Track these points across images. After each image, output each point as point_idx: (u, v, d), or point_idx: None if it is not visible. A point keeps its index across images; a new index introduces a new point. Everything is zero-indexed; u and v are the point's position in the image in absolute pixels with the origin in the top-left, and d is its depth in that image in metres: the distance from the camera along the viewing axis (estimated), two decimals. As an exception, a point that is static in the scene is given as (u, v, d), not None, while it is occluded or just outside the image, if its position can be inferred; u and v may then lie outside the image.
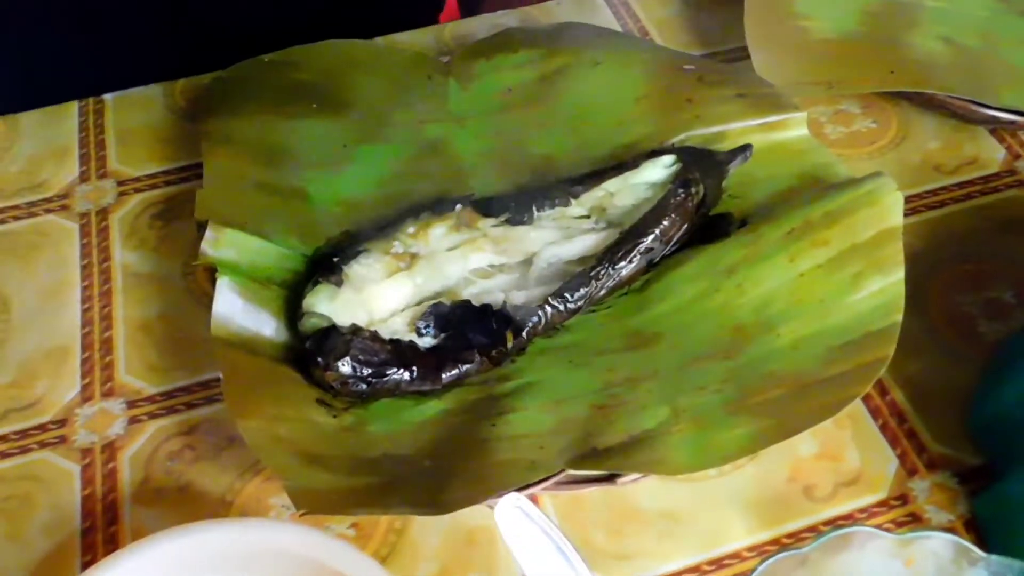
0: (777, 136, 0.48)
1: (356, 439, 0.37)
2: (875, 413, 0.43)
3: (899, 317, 0.38)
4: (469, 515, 0.38)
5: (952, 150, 0.55)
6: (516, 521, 0.29)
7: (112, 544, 0.38)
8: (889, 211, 0.41)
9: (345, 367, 0.37)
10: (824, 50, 0.53)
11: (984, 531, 0.39)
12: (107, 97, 0.56)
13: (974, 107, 0.51)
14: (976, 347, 0.45)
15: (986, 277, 0.48)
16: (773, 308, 0.41)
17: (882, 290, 0.39)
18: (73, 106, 0.56)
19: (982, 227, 0.51)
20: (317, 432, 0.37)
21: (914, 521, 0.40)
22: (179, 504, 0.40)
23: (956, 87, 0.51)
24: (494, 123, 0.51)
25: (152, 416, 0.43)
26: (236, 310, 0.39)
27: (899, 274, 0.39)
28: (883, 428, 0.43)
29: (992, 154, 0.55)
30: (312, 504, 0.33)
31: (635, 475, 0.36)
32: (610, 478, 0.36)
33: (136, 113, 0.56)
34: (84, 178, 0.53)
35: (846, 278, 0.40)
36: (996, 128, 0.55)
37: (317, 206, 0.46)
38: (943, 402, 0.43)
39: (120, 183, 0.52)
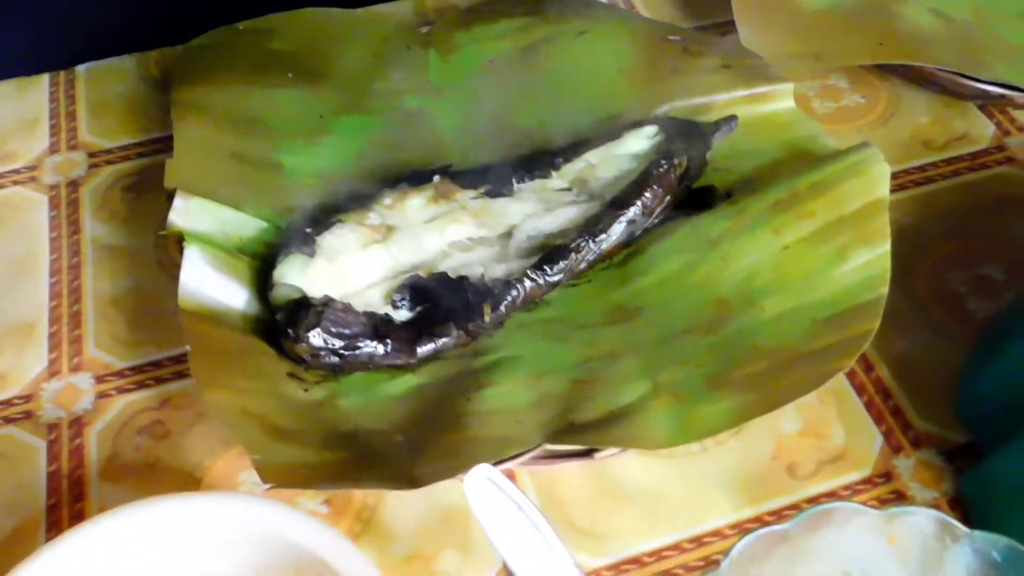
0: (763, 108, 0.47)
1: (327, 413, 0.36)
2: (860, 390, 0.42)
3: (884, 290, 0.38)
4: (444, 492, 0.37)
5: (941, 126, 0.54)
6: (487, 494, 0.28)
7: (78, 520, 0.37)
8: (876, 182, 0.40)
9: (316, 339, 0.36)
10: (812, 22, 0.52)
11: (969, 509, 0.38)
12: (79, 68, 0.55)
13: (964, 81, 0.50)
14: (964, 325, 0.44)
15: (975, 254, 0.48)
16: (757, 281, 0.40)
17: (868, 263, 0.38)
18: (44, 77, 0.55)
19: (971, 204, 0.50)
20: (287, 406, 0.36)
21: (898, 499, 0.39)
22: (147, 480, 0.39)
23: (946, 60, 0.50)
24: (474, 94, 0.50)
25: (121, 391, 0.42)
26: (205, 281, 0.38)
27: (885, 246, 0.38)
28: (868, 405, 0.42)
29: (982, 130, 0.54)
30: (280, 478, 0.32)
31: (613, 450, 0.35)
32: (587, 453, 0.35)
33: (108, 84, 0.54)
34: (54, 149, 0.51)
35: (831, 251, 0.39)
36: (986, 104, 0.55)
37: (292, 177, 0.45)
38: (930, 379, 0.43)
39: (91, 155, 0.51)
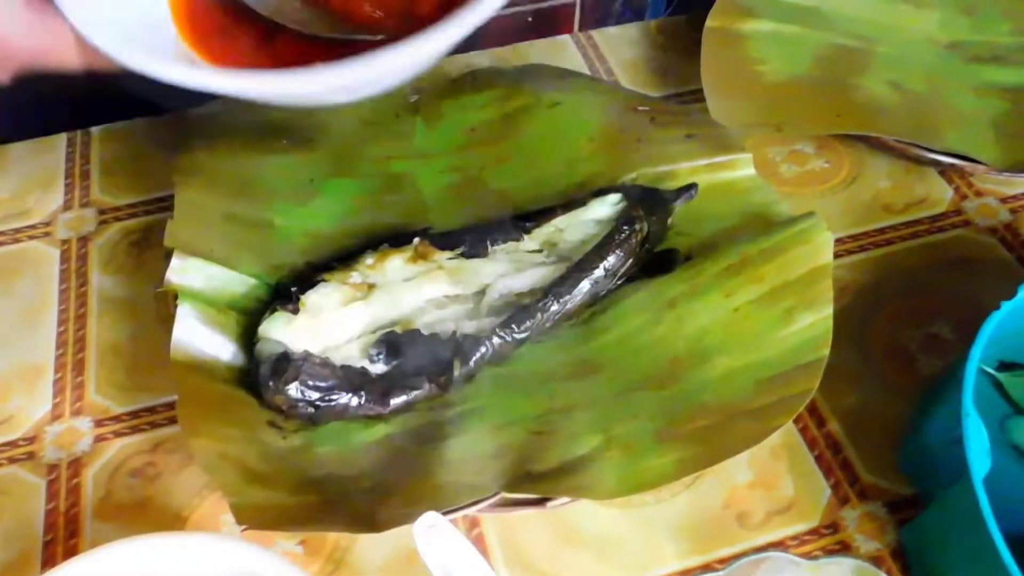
0: (724, 176, 0.50)
1: (303, 459, 0.39)
2: (812, 444, 0.45)
3: (826, 351, 0.40)
4: (411, 535, 0.40)
5: (902, 190, 0.56)
6: (434, 540, 0.31)
7: (72, 555, 0.40)
8: (819, 249, 0.43)
9: (293, 391, 0.39)
10: (775, 93, 0.56)
11: (910, 560, 0.41)
12: (93, 130, 0.59)
13: (918, 150, 0.53)
14: (913, 380, 0.47)
15: (928, 313, 0.50)
16: (708, 340, 0.43)
17: (811, 324, 0.41)
18: (62, 137, 0.59)
19: (928, 264, 0.53)
20: (265, 452, 0.39)
21: (843, 549, 0.41)
22: (137, 519, 0.42)
23: (901, 131, 0.53)
24: (456, 160, 0.54)
25: (118, 434, 0.45)
26: (196, 335, 0.41)
27: (828, 310, 0.41)
28: (818, 459, 0.44)
29: (941, 194, 0.56)
30: (253, 519, 0.35)
31: (564, 499, 0.38)
32: (541, 501, 0.38)
33: (120, 145, 0.59)
34: (68, 206, 0.55)
35: (778, 313, 0.42)
36: (945, 169, 0.57)
37: (283, 237, 0.49)
38: (878, 433, 0.45)
39: (101, 212, 0.55)
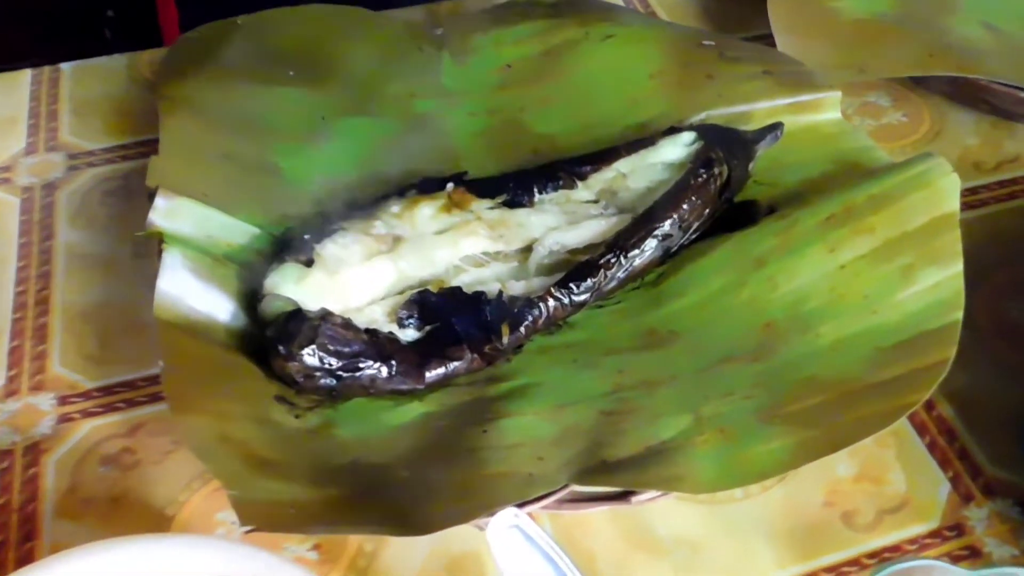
0: (808, 118, 0.43)
1: (321, 443, 0.31)
2: (921, 430, 0.38)
3: (959, 315, 0.33)
4: (454, 539, 0.33)
5: (991, 147, 0.51)
6: (514, 544, 0.23)
7: (26, 563, 0.32)
8: (944, 195, 0.36)
9: (311, 357, 0.32)
10: (855, 32, 0.49)
11: (1053, 569, 0.34)
12: (64, 66, 0.51)
13: (1021, 95, 0.46)
14: (1031, 359, 0.40)
15: (1037, 282, 0.44)
16: (810, 304, 0.35)
17: (938, 284, 0.34)
18: (25, 74, 0.51)
19: None
20: (275, 434, 0.31)
21: (972, 556, 0.35)
22: (110, 518, 0.34)
23: (1001, 73, 0.47)
24: (491, 101, 0.46)
25: (87, 414, 0.37)
26: (186, 289, 0.34)
27: (957, 266, 0.34)
28: (931, 447, 0.37)
29: None
30: (262, 519, 0.27)
31: (652, 493, 0.30)
32: (623, 496, 0.30)
33: (95, 84, 0.51)
34: (31, 150, 0.47)
35: (895, 271, 0.35)
36: (1037, 125, 0.51)
37: (289, 182, 0.41)
38: (998, 419, 0.38)
39: (71, 156, 0.47)
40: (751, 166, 0.41)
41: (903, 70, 0.48)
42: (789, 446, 0.30)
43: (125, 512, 0.34)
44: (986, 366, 0.40)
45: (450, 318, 0.36)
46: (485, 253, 0.39)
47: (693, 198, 0.38)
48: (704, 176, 0.39)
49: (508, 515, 0.23)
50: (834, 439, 0.30)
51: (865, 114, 0.52)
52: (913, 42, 0.48)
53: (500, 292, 0.37)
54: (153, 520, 0.34)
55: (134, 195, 0.45)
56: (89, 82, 0.51)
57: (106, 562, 0.26)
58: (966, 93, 0.50)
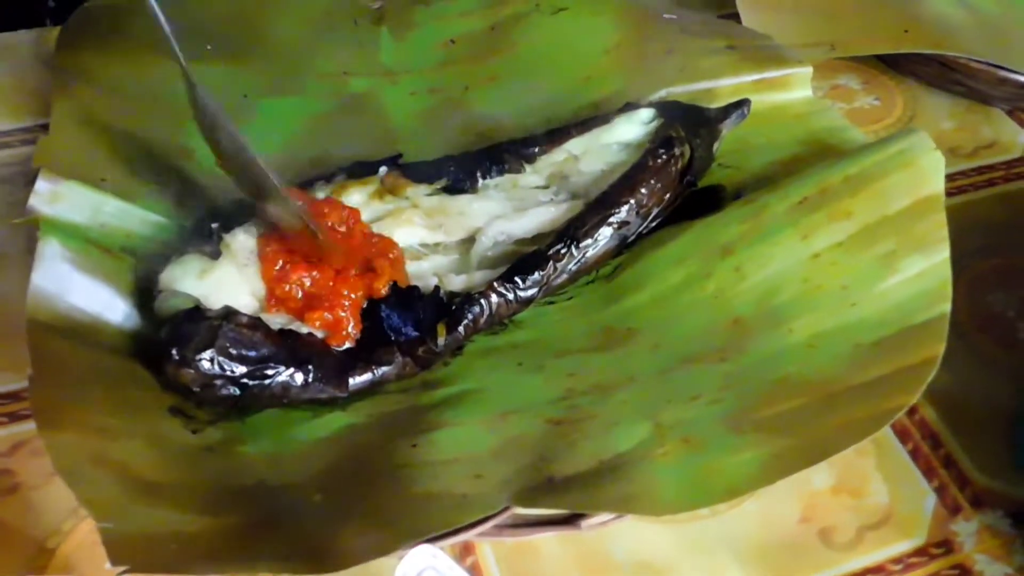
0: (776, 96, 0.40)
1: (222, 463, 0.27)
2: (903, 435, 0.35)
3: (947, 307, 0.30)
4: (376, 570, 0.28)
5: (967, 131, 0.48)
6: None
7: None
8: (927, 175, 0.32)
9: (208, 363, 0.27)
10: (825, 7, 0.46)
11: (1051, 588, 0.30)
12: (-42, 42, 0.46)
13: (1001, 73, 0.44)
14: (1016, 354, 0.37)
15: (1018, 273, 0.41)
16: (782, 297, 0.32)
17: (922, 273, 0.31)
18: (-88, 51, 0.46)
19: (1008, 217, 0.44)
20: (164, 452, 0.26)
21: (962, 575, 0.31)
22: (-22, 553, 0.29)
23: (978, 52, 0.44)
24: (432, 79, 0.42)
25: (-41, 431, 0.32)
26: (67, 284, 0.29)
27: (943, 253, 0.31)
28: (914, 454, 0.34)
29: (1012, 137, 0.48)
30: (138, 557, 0.22)
31: (605, 516, 0.26)
32: (572, 519, 0.26)
33: (-9, 61, 0.46)
34: (-85, 133, 0.42)
35: (875, 259, 0.31)
36: (1014, 109, 0.48)
37: (203, 166, 0.36)
38: (985, 422, 0.35)
39: (-39, 140, 0.42)
40: (715, 147, 0.37)
41: (877, 47, 0.45)
42: (762, 457, 0.27)
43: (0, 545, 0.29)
44: (970, 364, 0.37)
45: (380, 316, 0.31)
46: (422, 244, 0.35)
47: (652, 181, 0.35)
48: (664, 157, 0.35)
49: (423, 555, 0.19)
50: (813, 449, 0.27)
51: (836, 97, 0.49)
52: (887, 18, 0.45)
53: (437, 287, 0.33)
54: (30, 555, 0.29)
55: (32, 183, 0.40)
56: (-15, 60, 0.46)
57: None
58: (940, 76, 0.48)
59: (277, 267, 0.31)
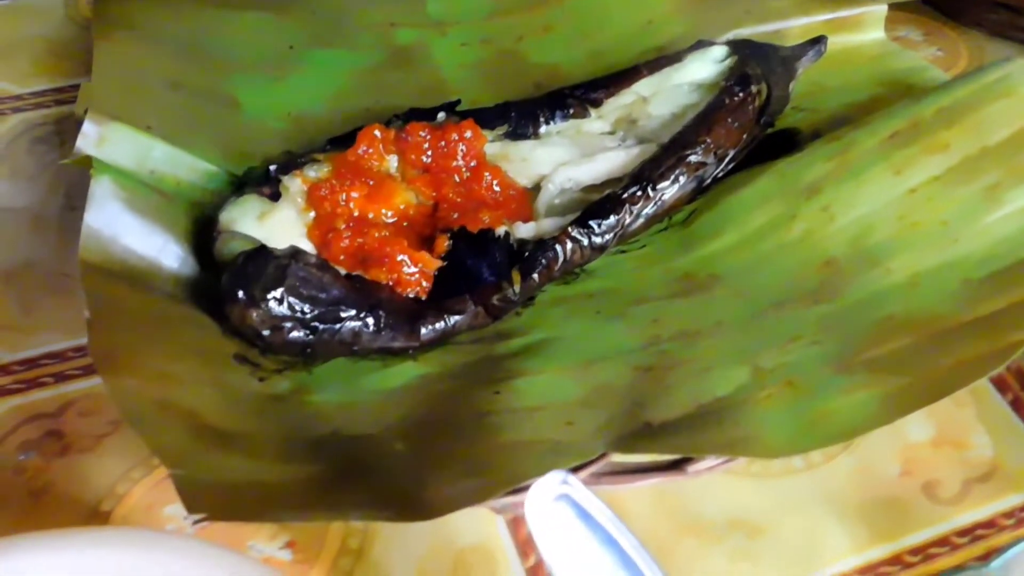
0: (849, 38, 0.38)
1: (293, 411, 0.25)
2: (1001, 386, 0.32)
3: (1061, 238, 0.28)
4: (462, 527, 0.26)
5: (1038, 81, 0.45)
6: (560, 521, 0.17)
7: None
8: (1029, 102, 0.30)
9: (278, 303, 0.25)
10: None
11: None
12: (-11, 2, 0.45)
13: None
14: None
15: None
16: (877, 236, 0.30)
17: (1030, 204, 0.29)
18: (-58, 11, 0.44)
19: None
20: (231, 400, 0.24)
21: (1080, 529, 0.29)
22: (29, 516, 0.27)
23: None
24: (483, 29, 0.41)
25: (5, 392, 0.30)
26: (121, 226, 0.27)
27: (1052, 183, 0.29)
28: (1015, 405, 0.32)
29: None
30: (215, 506, 0.21)
31: (712, 460, 0.24)
32: (675, 465, 0.24)
33: (26, 22, 0.44)
34: (-54, 93, 0.41)
35: (976, 192, 0.29)
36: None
37: (250, 117, 0.35)
38: (1087, 370, 0.33)
39: (-6, 100, 0.40)
40: (791, 86, 0.35)
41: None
42: (877, 397, 0.25)
43: (48, 509, 0.27)
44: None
45: (450, 263, 0.29)
46: (485, 193, 0.33)
47: (728, 120, 0.33)
48: (740, 95, 0.33)
49: (554, 481, 0.17)
50: (931, 387, 0.25)
51: (897, 49, 0.47)
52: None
53: (507, 233, 0.31)
54: (83, 518, 0.27)
55: (68, 143, 0.38)
56: (18, 21, 0.44)
57: (20, 563, 0.20)
58: (1008, 23, 0.46)
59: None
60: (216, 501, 0.21)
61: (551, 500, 0.17)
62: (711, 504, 0.29)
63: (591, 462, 0.24)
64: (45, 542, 0.20)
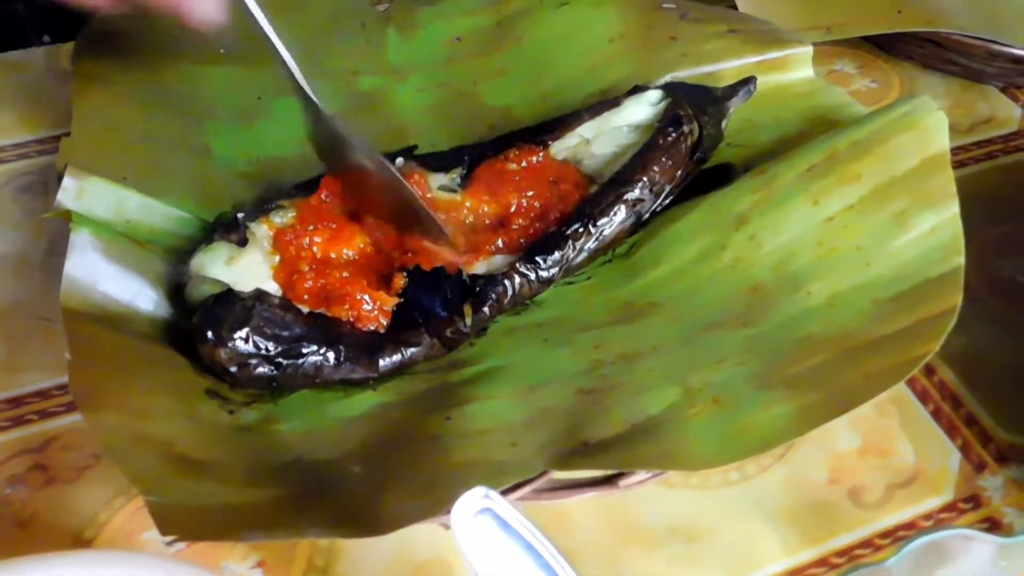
0: (779, 77, 0.41)
1: (260, 440, 0.27)
2: (923, 397, 0.35)
3: (960, 259, 0.30)
4: (418, 541, 0.28)
5: (964, 109, 0.49)
6: (485, 533, 0.19)
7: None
8: (932, 134, 0.33)
9: (244, 342, 0.27)
10: (818, -10, 0.47)
11: (1080, 535, 0.31)
12: (-27, 59, 0.47)
13: (996, 47, 0.45)
14: (1029, 316, 0.38)
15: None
16: (798, 261, 0.32)
17: (934, 229, 0.31)
18: (-71, 66, 0.47)
19: (1011, 187, 0.45)
20: (204, 432, 0.27)
21: (992, 528, 0.31)
22: (16, 544, 0.29)
23: (971, 27, 0.45)
24: (440, 75, 0.43)
25: (-8, 430, 0.32)
26: (99, 274, 0.29)
27: (953, 208, 0.31)
28: (936, 415, 0.34)
29: (1008, 112, 0.49)
30: (187, 528, 0.23)
31: (643, 474, 0.27)
32: (609, 480, 0.27)
33: (9, 76, 0.47)
34: (-67, 146, 0.43)
35: (886, 218, 0.32)
36: (1008, 86, 0.50)
37: (221, 163, 0.37)
38: (1003, 382, 0.36)
39: (-20, 152, 0.43)
40: (723, 124, 0.38)
41: (871, 28, 0.46)
42: (792, 411, 0.27)
43: (34, 538, 0.29)
44: (985, 327, 0.38)
45: (406, 300, 0.32)
46: (441, 231, 0.36)
47: (663, 159, 0.35)
48: (673, 135, 0.36)
49: (476, 496, 0.19)
50: (841, 400, 0.27)
51: (833, 82, 0.50)
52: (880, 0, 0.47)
53: (459, 270, 0.33)
54: (68, 545, 0.29)
55: (51, 191, 0.41)
56: (1, 75, 0.46)
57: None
58: (935, 56, 0.49)
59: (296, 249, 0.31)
60: (188, 523, 0.23)
61: (474, 514, 0.19)
62: (654, 514, 0.31)
63: (532, 479, 0.26)
64: (30, 564, 0.22)
